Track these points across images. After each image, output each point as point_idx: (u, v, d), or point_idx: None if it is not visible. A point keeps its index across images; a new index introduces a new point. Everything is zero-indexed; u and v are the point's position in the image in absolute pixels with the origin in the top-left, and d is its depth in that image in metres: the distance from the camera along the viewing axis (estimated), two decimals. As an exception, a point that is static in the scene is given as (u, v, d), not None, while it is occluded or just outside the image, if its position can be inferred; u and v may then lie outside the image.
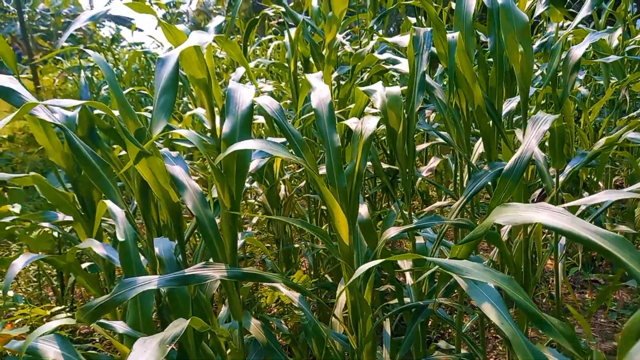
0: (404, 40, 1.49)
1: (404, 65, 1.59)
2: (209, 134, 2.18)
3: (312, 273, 2.48)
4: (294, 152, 1.13)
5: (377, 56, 1.71)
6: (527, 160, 1.00)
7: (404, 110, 1.22)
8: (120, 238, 1.27)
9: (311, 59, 2.45)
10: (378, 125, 1.30)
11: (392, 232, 1.17)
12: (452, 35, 1.22)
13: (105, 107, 1.02)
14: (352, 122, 1.41)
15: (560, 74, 1.55)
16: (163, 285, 0.93)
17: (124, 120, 1.19)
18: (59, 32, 16.22)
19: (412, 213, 1.37)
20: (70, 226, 2.38)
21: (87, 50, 1.26)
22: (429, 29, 1.29)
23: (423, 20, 2.90)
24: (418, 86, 1.22)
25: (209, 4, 20.71)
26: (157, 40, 7.11)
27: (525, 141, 1.04)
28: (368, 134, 1.16)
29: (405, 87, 1.32)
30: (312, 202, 2.48)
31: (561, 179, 1.26)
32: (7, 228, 2.36)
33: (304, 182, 2.17)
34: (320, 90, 1.28)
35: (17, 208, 2.75)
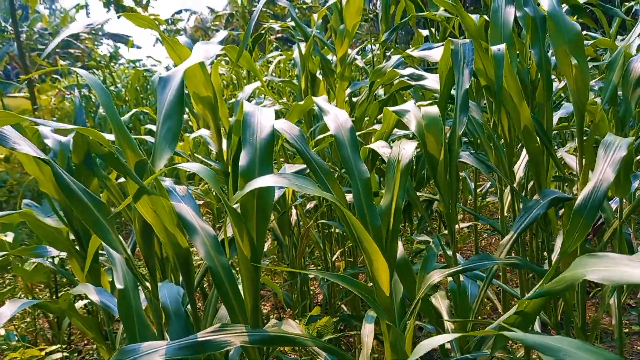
0: (433, 54, 1.34)
1: (431, 82, 1.43)
2: (216, 154, 2.04)
3: (327, 304, 2.31)
4: (318, 184, 0.97)
5: (399, 71, 1.55)
6: (604, 194, 0.84)
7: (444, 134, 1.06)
8: (118, 285, 1.10)
9: (318, 75, 2.31)
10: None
11: (436, 276, 1.01)
12: (498, 48, 1.06)
13: (100, 136, 0.86)
14: (379, 147, 1.25)
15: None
16: (172, 356, 0.76)
17: (122, 149, 1.03)
18: (57, 50, 16.16)
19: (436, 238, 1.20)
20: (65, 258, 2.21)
21: (79, 71, 1.10)
22: (467, 40, 1.14)
23: (436, 33, 2.77)
24: (460, 106, 1.06)
25: (206, 20, 20.75)
26: (155, 58, 7.00)
27: (598, 170, 0.88)
28: (405, 161, 1.00)
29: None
30: (325, 226, 2.32)
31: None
32: (0, 258, 2.18)
33: (319, 209, 2.00)
34: (336, 114, 1.12)
35: (9, 237, 2.58)
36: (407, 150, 1.02)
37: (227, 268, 0.91)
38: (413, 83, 1.50)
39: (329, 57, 2.46)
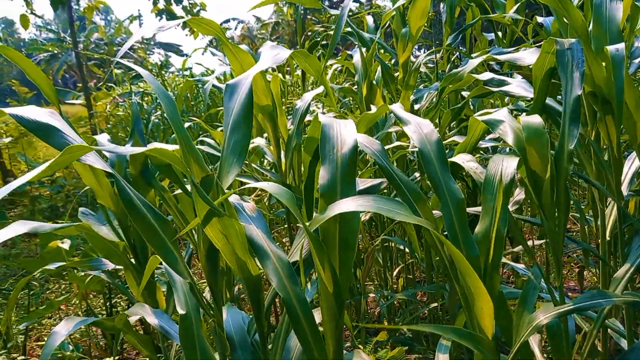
0: (524, 56, 1.19)
1: (516, 87, 1.29)
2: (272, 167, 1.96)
3: (385, 323, 2.17)
4: (405, 205, 0.84)
5: (476, 77, 1.41)
6: None
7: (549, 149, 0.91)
8: (180, 310, 1.01)
9: (374, 82, 2.18)
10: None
11: (542, 317, 0.86)
12: (616, 48, 0.91)
13: (171, 155, 0.77)
14: (464, 161, 1.12)
15: None
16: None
17: (188, 164, 0.94)
18: (112, 59, 16.80)
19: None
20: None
21: (146, 77, 1.02)
22: (574, 40, 0.99)
23: (502, 37, 2.60)
24: (570, 116, 0.91)
25: (253, 29, 21.06)
26: (204, 65, 7.07)
27: None
28: (508, 179, 0.86)
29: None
30: (383, 241, 2.18)
31: None
32: (56, 267, 2.15)
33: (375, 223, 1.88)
34: (418, 125, 0.99)
35: (66, 244, 2.59)
36: (510, 167, 0.88)
37: (304, 301, 0.79)
38: (494, 89, 1.35)
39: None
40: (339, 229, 0.77)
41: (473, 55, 2.09)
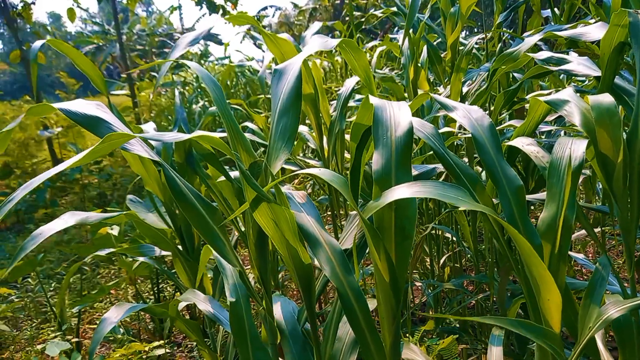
0: (590, 31, 1.11)
1: (578, 66, 1.20)
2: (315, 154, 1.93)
3: (430, 312, 2.13)
4: (466, 191, 0.79)
5: (533, 56, 1.33)
6: None
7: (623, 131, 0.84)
8: (230, 298, 1.00)
9: (419, 65, 2.11)
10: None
11: (612, 310, 0.80)
12: (700, 17, 0.82)
13: (218, 141, 0.75)
14: (524, 144, 1.05)
15: None
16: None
17: (235, 149, 0.92)
18: (153, 50, 17.15)
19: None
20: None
21: (192, 65, 1.01)
22: (648, 11, 0.90)
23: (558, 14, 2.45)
24: (646, 94, 0.83)
25: (290, 16, 20.99)
26: (244, 53, 7.10)
27: None
28: (577, 162, 0.80)
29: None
30: (431, 236, 2.13)
31: None
32: (107, 253, 2.20)
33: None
34: (467, 110, 0.94)
35: (115, 230, 2.66)
36: (578, 150, 0.82)
37: (358, 292, 0.77)
38: (554, 68, 1.27)
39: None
40: (395, 216, 0.73)
41: (525, 34, 1.99)
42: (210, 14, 7.28)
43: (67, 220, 1.15)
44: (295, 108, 0.94)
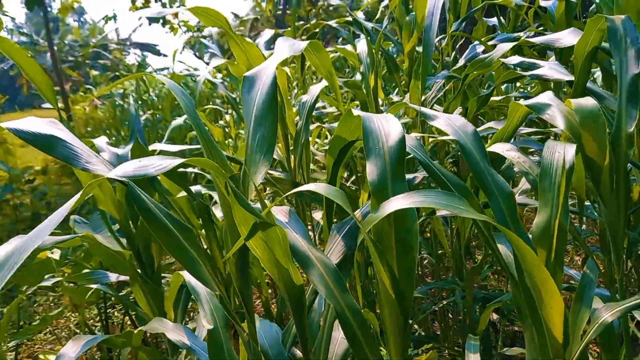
0: (563, 37, 1.12)
1: (549, 70, 1.21)
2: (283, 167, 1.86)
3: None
4: (464, 200, 0.76)
5: (505, 61, 1.34)
6: None
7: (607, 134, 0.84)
8: (207, 325, 0.92)
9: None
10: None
11: (606, 314, 0.79)
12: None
13: (213, 165, 0.68)
14: (503, 150, 1.04)
15: None
16: None
17: (214, 159, 0.84)
18: (87, 61, 16.44)
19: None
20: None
21: (165, 80, 0.93)
22: (623, 16, 0.92)
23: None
24: (627, 97, 0.84)
25: (233, 26, 20.76)
26: (187, 63, 6.90)
27: None
28: (568, 166, 0.79)
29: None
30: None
31: None
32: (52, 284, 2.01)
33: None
34: (448, 118, 0.92)
35: (56, 254, 2.45)
36: (568, 153, 0.81)
37: (357, 311, 0.71)
38: (526, 73, 1.29)
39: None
40: (395, 229, 0.68)
41: (524, 36, 2.03)
42: (149, 24, 7.04)
43: (17, 244, 1.02)
44: (272, 117, 0.88)
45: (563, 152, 0.83)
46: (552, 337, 0.73)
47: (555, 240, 0.77)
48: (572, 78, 1.08)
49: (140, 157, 1.22)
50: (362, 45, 1.96)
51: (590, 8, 2.45)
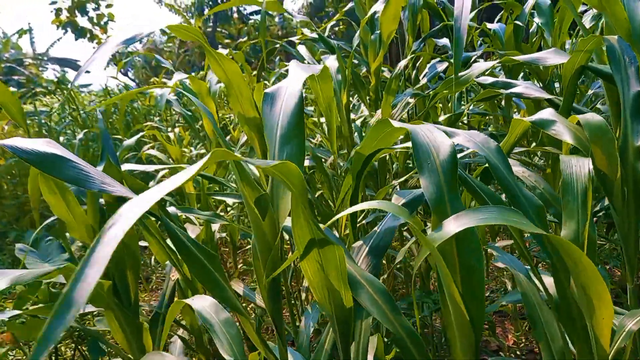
0: (548, 56, 1.19)
1: (526, 89, 1.28)
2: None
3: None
4: (523, 215, 0.77)
5: (479, 81, 1.40)
6: None
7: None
8: (227, 357, 0.86)
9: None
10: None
11: (630, 323, 0.83)
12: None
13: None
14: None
15: None
16: None
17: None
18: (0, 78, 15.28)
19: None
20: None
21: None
22: (615, 37, 0.99)
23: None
24: (631, 112, 0.90)
25: (158, 42, 20.23)
26: (120, 79, 6.57)
27: None
28: (586, 179, 0.83)
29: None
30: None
31: None
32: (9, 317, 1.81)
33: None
34: (470, 135, 0.93)
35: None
36: (584, 166, 0.85)
37: (412, 332, 0.69)
38: (505, 92, 1.34)
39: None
40: (457, 248, 0.68)
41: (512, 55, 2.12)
42: (76, 39, 6.68)
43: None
44: (299, 135, 0.85)
45: (580, 166, 0.87)
46: (601, 348, 0.75)
47: (586, 252, 0.80)
48: (549, 96, 1.15)
49: (113, 178, 1.13)
50: (331, 62, 1.96)
51: (530, 29, 2.63)
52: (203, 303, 0.99)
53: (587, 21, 2.17)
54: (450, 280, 0.61)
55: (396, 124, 0.80)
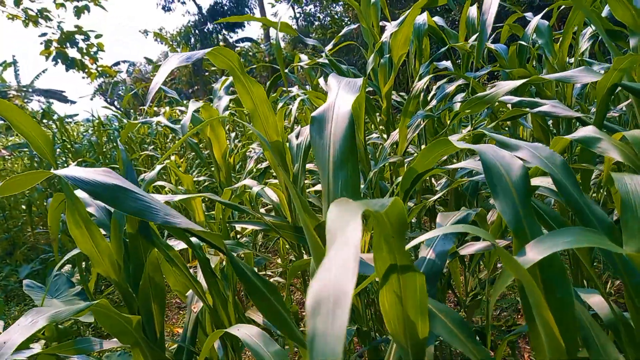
0: (578, 74, 1.19)
1: (554, 108, 1.29)
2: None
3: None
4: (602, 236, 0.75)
5: (504, 100, 1.40)
6: None
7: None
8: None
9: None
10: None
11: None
12: None
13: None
14: (548, 182, 1.07)
15: None
16: None
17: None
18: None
19: None
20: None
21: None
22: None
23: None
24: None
25: (145, 71, 20.29)
26: (113, 109, 6.53)
27: None
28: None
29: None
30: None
31: None
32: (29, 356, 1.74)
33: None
34: (534, 148, 0.91)
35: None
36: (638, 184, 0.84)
37: (493, 361, 0.67)
38: (531, 110, 1.35)
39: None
40: (540, 272, 0.66)
41: (543, 74, 2.14)
42: (67, 70, 6.64)
43: (35, 320, 0.86)
44: (353, 158, 0.83)
45: (635, 184, 0.86)
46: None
47: None
48: (578, 115, 1.16)
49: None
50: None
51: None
52: (248, 332, 0.94)
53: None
54: (540, 308, 0.59)
55: (459, 143, 0.79)
